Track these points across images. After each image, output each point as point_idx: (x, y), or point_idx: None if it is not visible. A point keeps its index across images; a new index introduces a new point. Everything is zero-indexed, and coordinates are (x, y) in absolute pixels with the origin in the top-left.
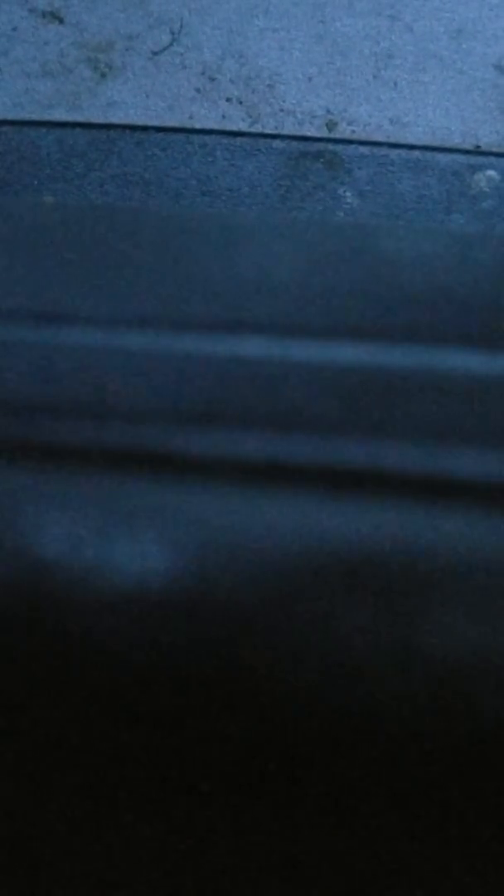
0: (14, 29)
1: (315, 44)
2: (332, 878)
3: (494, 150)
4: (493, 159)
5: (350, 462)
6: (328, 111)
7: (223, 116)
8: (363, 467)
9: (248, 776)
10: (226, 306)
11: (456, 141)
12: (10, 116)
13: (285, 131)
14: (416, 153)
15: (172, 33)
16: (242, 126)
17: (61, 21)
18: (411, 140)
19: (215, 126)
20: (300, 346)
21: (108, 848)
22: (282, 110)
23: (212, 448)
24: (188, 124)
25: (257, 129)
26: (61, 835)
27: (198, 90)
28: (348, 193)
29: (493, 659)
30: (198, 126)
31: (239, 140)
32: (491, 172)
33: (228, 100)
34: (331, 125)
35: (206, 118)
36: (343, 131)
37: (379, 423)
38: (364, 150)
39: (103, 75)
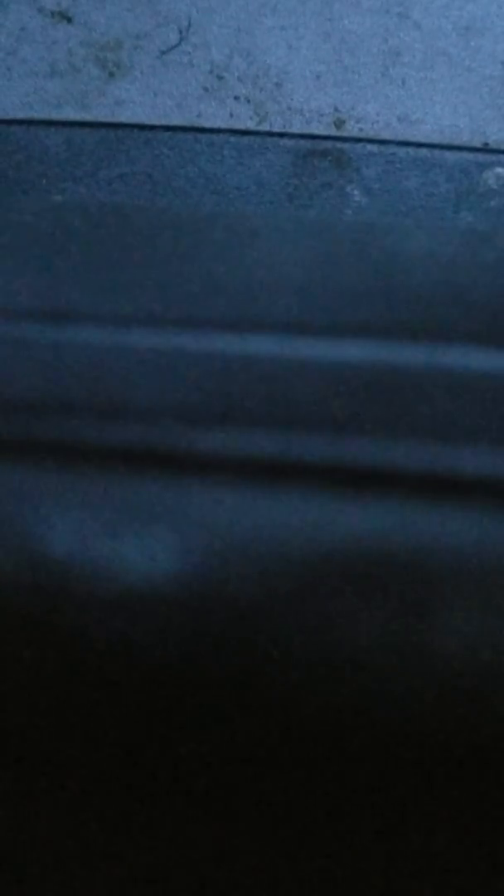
0: (22, 28)
1: (323, 42)
2: (336, 879)
3: (503, 147)
4: (501, 157)
5: (359, 460)
6: (336, 109)
7: (231, 115)
8: (372, 465)
9: (254, 775)
10: (234, 305)
11: (464, 139)
12: (19, 116)
13: (293, 129)
14: (425, 151)
15: (180, 32)
16: (250, 124)
17: (69, 20)
18: (419, 138)
19: (223, 124)
20: (308, 344)
21: (110, 849)
22: (289, 108)
23: (220, 446)
24: (196, 123)
25: (265, 127)
26: (63, 835)
27: (206, 89)
28: (356, 191)
29: (502, 656)
30: (206, 125)
31: (247, 138)
32: (500, 170)
33: (236, 98)
34: (339, 123)
35: (213, 117)
36: (351, 129)
37: (388, 421)
38: (372, 147)
39: (111, 74)
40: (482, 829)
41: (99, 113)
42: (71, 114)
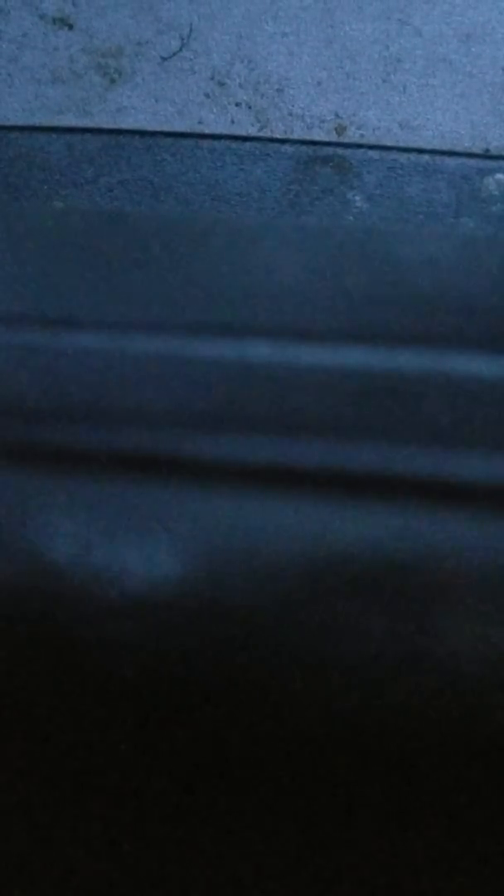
0: (24, 35)
1: (324, 48)
2: (337, 882)
3: None
4: (502, 163)
5: (359, 466)
6: (337, 115)
7: (232, 121)
8: (372, 471)
9: (255, 780)
10: (234, 311)
11: (465, 145)
12: (20, 122)
13: (294, 136)
14: (426, 157)
15: (181, 39)
16: (251, 130)
17: (71, 27)
18: (420, 144)
19: (224, 131)
20: (308, 350)
21: (111, 850)
22: (290, 114)
23: (220, 452)
24: (197, 129)
25: (266, 133)
26: (64, 836)
27: (207, 95)
28: (357, 197)
29: (502, 661)
30: (207, 131)
31: (248, 144)
32: (500, 176)
33: (237, 104)
34: (340, 129)
35: (215, 123)
36: (352, 135)
37: (388, 427)
38: (373, 154)
39: (113, 81)
40: (483, 829)
41: (100, 119)
42: (72, 120)
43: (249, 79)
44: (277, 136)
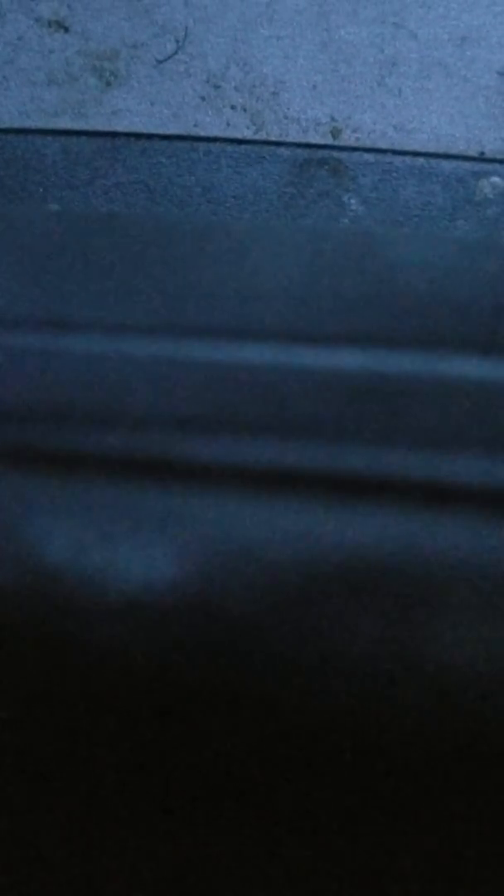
0: (19, 38)
1: (319, 51)
2: (333, 886)
3: (499, 156)
4: (497, 166)
5: (354, 469)
6: (332, 118)
7: (228, 124)
8: (367, 474)
9: (251, 784)
10: (230, 313)
11: (460, 148)
12: (16, 124)
13: (290, 138)
14: (421, 160)
15: (177, 41)
16: (247, 133)
17: (66, 30)
18: (416, 147)
19: (220, 133)
20: (304, 352)
21: (107, 855)
22: (286, 117)
23: (216, 455)
24: (193, 132)
25: (262, 136)
26: (60, 842)
27: (202, 98)
28: (353, 200)
29: (498, 666)
30: (202, 133)
31: (243, 147)
32: (495, 179)
33: (233, 107)
34: (335, 132)
35: (210, 126)
36: (347, 138)
37: (383, 430)
38: (368, 157)
39: (108, 83)
40: (482, 834)
41: (96, 122)
42: (68, 123)
43: (245, 82)
44: (273, 139)
